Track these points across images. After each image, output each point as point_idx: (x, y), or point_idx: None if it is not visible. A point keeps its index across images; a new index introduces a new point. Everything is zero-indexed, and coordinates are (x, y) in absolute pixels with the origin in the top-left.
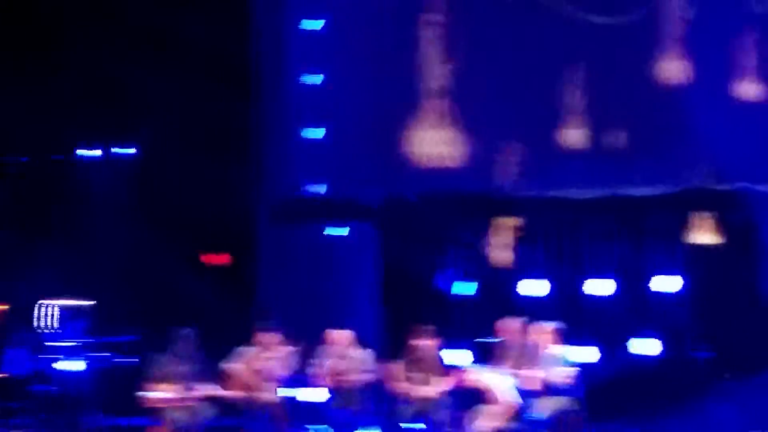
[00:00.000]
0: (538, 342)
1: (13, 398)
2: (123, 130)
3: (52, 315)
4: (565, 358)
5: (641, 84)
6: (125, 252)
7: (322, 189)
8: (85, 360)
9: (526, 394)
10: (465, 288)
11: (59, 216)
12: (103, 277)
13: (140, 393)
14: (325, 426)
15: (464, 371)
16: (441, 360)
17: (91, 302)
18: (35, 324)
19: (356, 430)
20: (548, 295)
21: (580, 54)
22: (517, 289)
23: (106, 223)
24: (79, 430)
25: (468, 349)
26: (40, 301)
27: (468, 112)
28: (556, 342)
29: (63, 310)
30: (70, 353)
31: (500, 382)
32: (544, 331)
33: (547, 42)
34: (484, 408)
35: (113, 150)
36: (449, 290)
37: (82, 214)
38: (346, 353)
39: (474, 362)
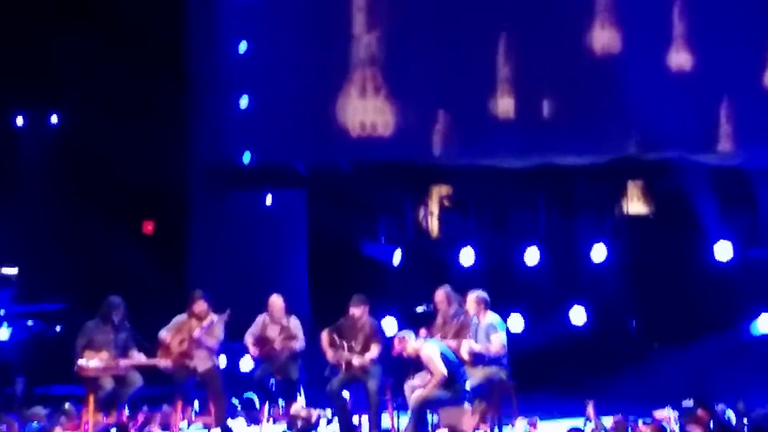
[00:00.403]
0: (466, 310)
1: None
2: (51, 97)
3: None
4: (494, 327)
5: (572, 52)
6: (52, 219)
7: (252, 156)
8: (10, 328)
9: (455, 362)
10: (394, 256)
11: None
12: (29, 245)
13: (68, 361)
14: (254, 394)
15: (397, 338)
16: (372, 327)
17: (16, 270)
18: None
19: (284, 398)
20: (477, 263)
21: (510, 22)
22: (446, 257)
23: (33, 190)
24: (6, 399)
25: (397, 316)
26: None
27: (397, 81)
28: (484, 310)
29: None
30: None
31: (431, 350)
32: (473, 299)
33: (477, 9)
34: (416, 376)
35: (40, 116)
36: (379, 258)
37: (8, 181)
38: (276, 320)
39: (405, 329)
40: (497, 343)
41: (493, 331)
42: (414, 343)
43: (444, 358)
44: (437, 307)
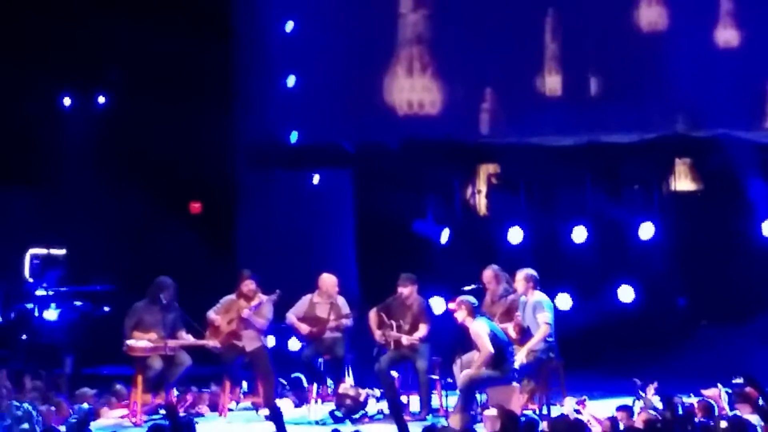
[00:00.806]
0: (515, 289)
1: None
2: (98, 78)
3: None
4: (542, 305)
5: (619, 30)
6: (100, 200)
7: (299, 136)
8: (58, 309)
9: (505, 341)
10: (442, 235)
11: (32, 165)
12: (77, 226)
13: (117, 342)
14: (302, 374)
15: (458, 300)
16: (420, 306)
17: (64, 251)
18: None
19: (332, 377)
20: (525, 241)
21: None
22: (494, 236)
23: (80, 171)
24: (55, 379)
25: (445, 296)
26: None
27: (444, 59)
28: (533, 289)
29: (36, 258)
30: (43, 302)
31: (480, 327)
32: (522, 277)
33: None
34: (465, 355)
35: (87, 98)
36: (427, 237)
37: (55, 163)
38: (328, 298)
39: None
40: (543, 323)
41: (540, 309)
42: (464, 315)
43: (493, 336)
44: (485, 287)
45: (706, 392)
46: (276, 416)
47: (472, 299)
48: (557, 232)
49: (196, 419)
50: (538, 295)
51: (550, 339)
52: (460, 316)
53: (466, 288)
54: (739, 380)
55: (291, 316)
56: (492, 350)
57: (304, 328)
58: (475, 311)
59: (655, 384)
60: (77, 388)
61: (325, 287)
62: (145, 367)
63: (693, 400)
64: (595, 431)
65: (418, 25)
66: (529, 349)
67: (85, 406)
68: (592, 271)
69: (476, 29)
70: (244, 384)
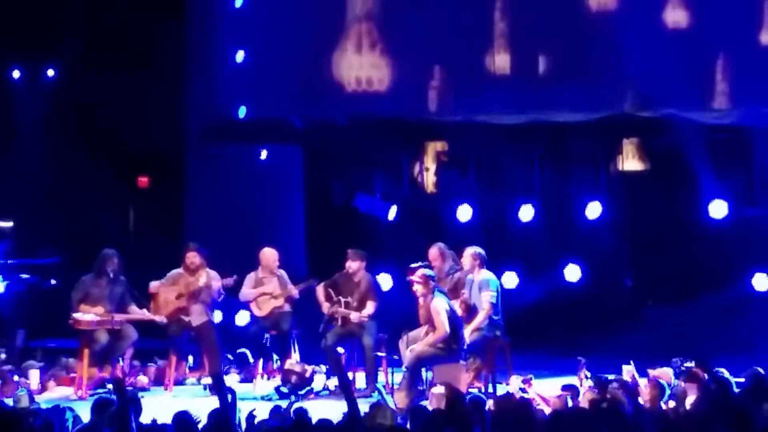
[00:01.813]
0: (461, 266)
1: None
2: (48, 51)
3: None
4: (487, 284)
5: (568, 9)
6: (48, 173)
7: (248, 111)
8: (5, 282)
9: (460, 321)
10: (389, 211)
11: None
12: (25, 198)
13: (63, 315)
14: (247, 350)
15: (421, 272)
16: (368, 283)
17: (11, 223)
18: None
19: (278, 353)
20: (473, 219)
21: None
22: (442, 213)
23: (28, 143)
24: (5, 351)
25: (392, 272)
26: None
27: (393, 36)
28: (479, 267)
29: None
30: None
31: (440, 305)
32: (469, 254)
33: None
34: (411, 332)
35: (36, 70)
36: (373, 214)
37: (2, 135)
38: (272, 272)
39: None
40: (485, 303)
41: (485, 288)
42: (424, 292)
43: (451, 314)
44: (431, 264)
45: (653, 372)
46: (220, 388)
47: (433, 273)
48: (505, 211)
49: (140, 393)
50: (485, 274)
51: (497, 317)
52: (420, 289)
53: (413, 265)
54: (690, 364)
55: (249, 291)
56: (448, 330)
57: (248, 305)
58: (435, 287)
59: (584, 366)
60: (24, 361)
61: (266, 261)
62: (90, 341)
63: (642, 380)
64: (540, 410)
65: (367, 2)
66: (474, 328)
67: (35, 381)
68: (539, 250)
69: (425, 6)
70: (190, 359)
